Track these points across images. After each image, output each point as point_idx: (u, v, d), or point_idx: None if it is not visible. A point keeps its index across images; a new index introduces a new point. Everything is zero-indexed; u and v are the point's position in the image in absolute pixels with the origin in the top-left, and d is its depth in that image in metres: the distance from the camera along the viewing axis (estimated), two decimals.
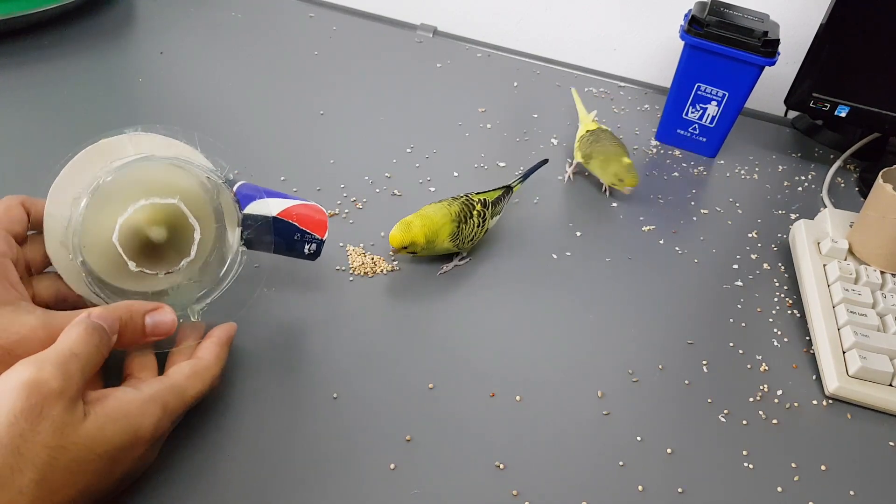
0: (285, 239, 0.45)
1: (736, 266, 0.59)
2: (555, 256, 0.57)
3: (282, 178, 0.59)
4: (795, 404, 0.48)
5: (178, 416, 0.38)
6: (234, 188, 0.43)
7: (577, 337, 0.50)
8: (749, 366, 0.50)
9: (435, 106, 0.73)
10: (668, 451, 0.43)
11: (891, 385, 0.48)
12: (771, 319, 0.54)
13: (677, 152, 0.73)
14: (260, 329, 0.46)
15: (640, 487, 0.41)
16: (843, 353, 0.50)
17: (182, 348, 0.41)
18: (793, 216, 0.66)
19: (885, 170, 0.55)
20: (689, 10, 0.68)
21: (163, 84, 0.69)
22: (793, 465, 0.44)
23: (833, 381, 0.48)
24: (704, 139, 0.72)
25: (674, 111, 0.72)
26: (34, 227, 0.41)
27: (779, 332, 0.53)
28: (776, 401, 0.48)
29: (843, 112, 0.69)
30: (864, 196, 0.69)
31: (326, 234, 0.46)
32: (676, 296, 0.55)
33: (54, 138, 0.59)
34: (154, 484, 0.37)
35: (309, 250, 0.46)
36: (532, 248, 0.57)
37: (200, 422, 0.40)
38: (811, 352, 0.52)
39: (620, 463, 0.42)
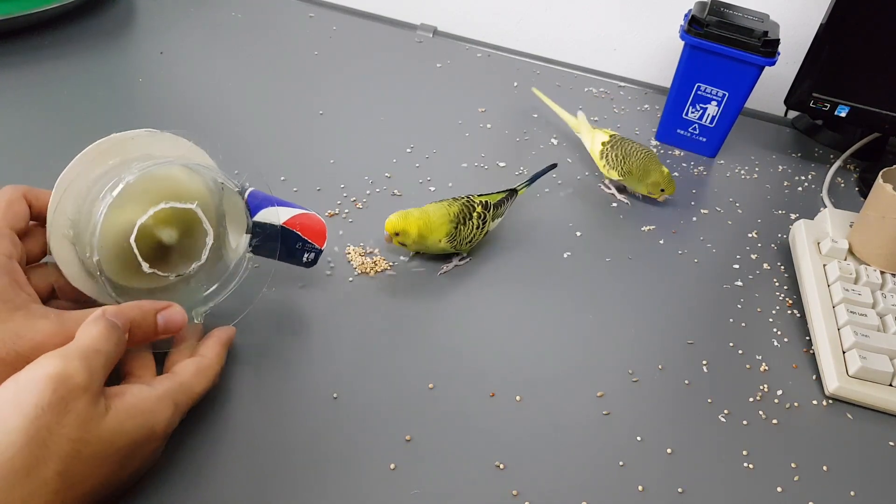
0: (287, 247, 0.46)
1: (736, 266, 0.59)
2: (555, 256, 0.57)
3: (282, 178, 0.59)
4: (795, 404, 0.48)
5: (185, 413, 0.38)
6: (246, 195, 0.43)
7: (577, 337, 0.50)
8: (749, 366, 0.50)
9: (435, 106, 0.73)
10: (668, 451, 0.43)
11: (891, 385, 0.48)
12: (771, 319, 0.54)
13: (677, 152, 0.73)
14: (260, 329, 0.46)
15: (640, 487, 0.41)
16: (843, 353, 0.50)
17: (182, 348, 0.41)
18: (793, 216, 0.66)
19: (885, 170, 0.55)
20: (689, 10, 0.68)
21: (163, 84, 0.69)
22: (793, 465, 0.44)
23: (833, 381, 0.48)
24: (704, 139, 0.72)
25: (674, 111, 0.72)
26: (35, 219, 0.41)
27: (779, 332, 0.53)
28: (776, 401, 0.48)
29: (843, 112, 0.69)
30: (864, 196, 0.69)
31: (325, 245, 0.48)
32: (676, 296, 0.55)
33: (54, 138, 0.59)
34: (155, 483, 0.37)
35: (307, 259, 0.48)
36: (532, 248, 0.57)
37: (200, 422, 0.40)
38: (811, 352, 0.52)
39: (620, 463, 0.42)
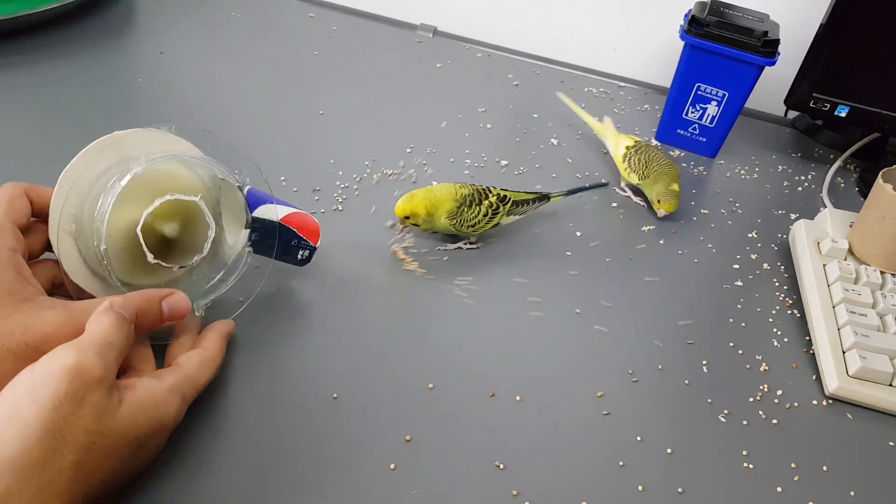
0: (284, 243, 0.47)
1: (736, 266, 0.59)
2: (555, 256, 0.57)
3: (282, 178, 0.59)
4: (795, 404, 0.48)
5: (189, 404, 0.39)
6: (244, 191, 0.44)
7: (577, 337, 0.50)
8: (749, 366, 0.50)
9: (435, 106, 0.73)
10: (668, 451, 0.43)
11: (891, 385, 0.48)
12: (771, 319, 0.54)
13: (677, 152, 0.73)
14: (259, 330, 0.46)
15: (640, 487, 0.41)
16: (843, 353, 0.50)
17: (182, 340, 0.42)
18: (793, 216, 0.66)
19: (885, 170, 0.55)
20: (689, 10, 0.68)
21: (163, 84, 0.69)
22: (793, 465, 0.44)
23: (833, 381, 0.48)
24: (704, 139, 0.72)
25: (674, 111, 0.72)
26: (36, 216, 0.41)
27: (779, 332, 0.53)
28: (776, 401, 0.48)
29: (843, 112, 0.69)
30: (864, 196, 0.69)
31: (319, 242, 0.48)
32: (676, 296, 0.55)
33: (54, 138, 0.59)
34: (154, 482, 0.37)
35: (302, 256, 0.48)
36: (532, 248, 0.57)
37: (200, 421, 0.40)
38: (811, 352, 0.52)
39: (620, 463, 0.42)
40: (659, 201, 0.61)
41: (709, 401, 0.47)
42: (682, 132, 0.72)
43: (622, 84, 0.83)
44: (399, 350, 0.47)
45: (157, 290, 0.39)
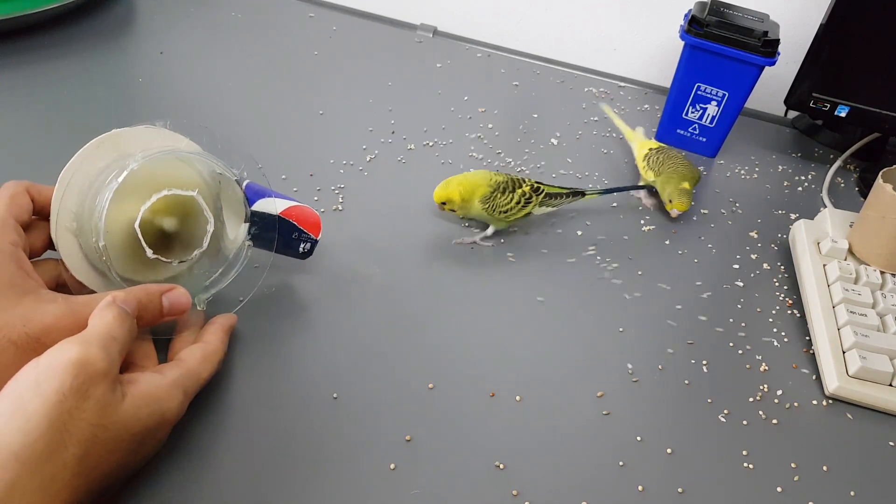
0: (284, 237, 0.47)
1: (736, 266, 0.59)
2: (555, 256, 0.57)
3: (282, 177, 0.59)
4: (795, 404, 0.48)
5: (191, 399, 0.39)
6: (243, 185, 0.45)
7: (577, 337, 0.50)
8: (749, 366, 0.50)
9: (435, 106, 0.73)
10: (668, 451, 0.43)
11: (891, 385, 0.48)
12: (771, 319, 0.54)
13: None
14: (259, 329, 0.46)
15: (640, 487, 0.41)
16: (843, 353, 0.50)
17: (185, 335, 0.42)
18: (793, 216, 0.66)
19: (885, 170, 0.55)
20: (689, 10, 0.68)
21: (163, 84, 0.69)
22: (793, 465, 0.44)
23: (833, 381, 0.48)
24: (704, 139, 0.72)
25: (674, 111, 0.72)
26: (37, 214, 0.41)
27: (779, 332, 0.53)
28: (776, 401, 0.48)
29: (843, 112, 0.69)
30: (864, 196, 0.69)
31: (320, 235, 0.48)
32: (676, 296, 0.55)
33: (54, 138, 0.59)
34: (153, 481, 0.37)
35: (303, 249, 0.48)
36: (532, 248, 0.57)
37: (199, 422, 0.40)
38: (811, 352, 0.52)
39: (620, 463, 0.42)
40: (671, 201, 0.61)
41: (709, 401, 0.47)
42: (682, 132, 0.72)
43: (622, 84, 0.83)
44: (399, 350, 0.47)
45: (157, 285, 0.39)
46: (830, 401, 0.49)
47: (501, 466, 0.41)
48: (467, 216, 0.57)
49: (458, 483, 0.40)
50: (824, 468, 0.44)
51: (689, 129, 0.72)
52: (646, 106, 0.80)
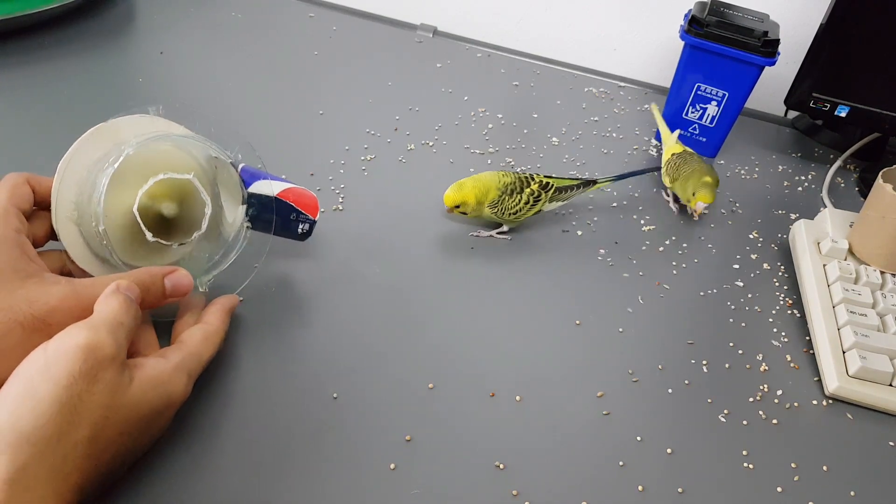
0: (282, 218, 0.48)
1: (736, 266, 0.59)
2: (555, 256, 0.57)
3: (282, 176, 0.59)
4: (795, 404, 0.48)
5: (195, 379, 0.40)
6: (238, 168, 0.45)
7: (577, 337, 0.50)
8: (749, 366, 0.50)
9: (435, 106, 0.73)
10: (668, 451, 0.43)
11: (891, 385, 0.48)
12: (771, 319, 0.54)
13: None
14: (259, 328, 0.46)
15: (640, 487, 0.41)
16: (843, 353, 0.50)
17: (187, 318, 0.43)
18: (793, 216, 0.66)
19: (885, 170, 0.55)
20: (689, 10, 0.68)
21: (163, 84, 0.69)
22: (793, 465, 0.44)
23: (833, 381, 0.48)
24: (704, 139, 0.72)
25: (674, 111, 0.72)
26: (38, 205, 0.41)
27: (779, 332, 0.53)
28: (776, 401, 0.48)
29: (843, 112, 0.69)
30: (864, 196, 0.69)
31: (318, 216, 0.49)
32: (676, 296, 0.55)
33: (54, 138, 0.58)
34: (151, 480, 0.37)
35: (302, 230, 0.49)
36: (532, 248, 0.57)
37: (199, 421, 0.40)
38: (811, 352, 0.52)
39: (620, 463, 0.42)
40: (694, 194, 0.60)
41: (709, 401, 0.47)
42: (682, 132, 0.72)
43: (622, 84, 0.83)
44: (399, 350, 0.47)
45: (159, 267, 0.40)
46: (830, 401, 0.49)
47: (501, 466, 0.41)
48: (479, 217, 0.56)
49: (458, 483, 0.40)
50: (824, 468, 0.44)
51: (690, 129, 0.72)
52: (646, 106, 0.80)
